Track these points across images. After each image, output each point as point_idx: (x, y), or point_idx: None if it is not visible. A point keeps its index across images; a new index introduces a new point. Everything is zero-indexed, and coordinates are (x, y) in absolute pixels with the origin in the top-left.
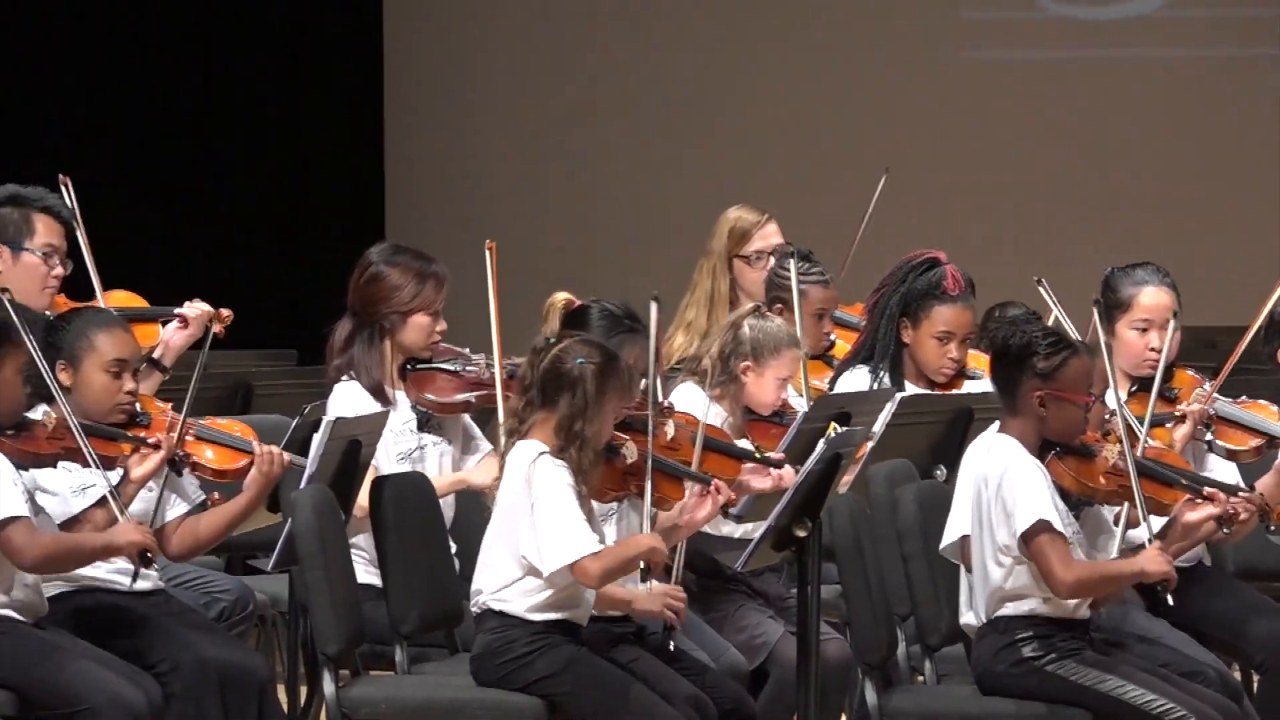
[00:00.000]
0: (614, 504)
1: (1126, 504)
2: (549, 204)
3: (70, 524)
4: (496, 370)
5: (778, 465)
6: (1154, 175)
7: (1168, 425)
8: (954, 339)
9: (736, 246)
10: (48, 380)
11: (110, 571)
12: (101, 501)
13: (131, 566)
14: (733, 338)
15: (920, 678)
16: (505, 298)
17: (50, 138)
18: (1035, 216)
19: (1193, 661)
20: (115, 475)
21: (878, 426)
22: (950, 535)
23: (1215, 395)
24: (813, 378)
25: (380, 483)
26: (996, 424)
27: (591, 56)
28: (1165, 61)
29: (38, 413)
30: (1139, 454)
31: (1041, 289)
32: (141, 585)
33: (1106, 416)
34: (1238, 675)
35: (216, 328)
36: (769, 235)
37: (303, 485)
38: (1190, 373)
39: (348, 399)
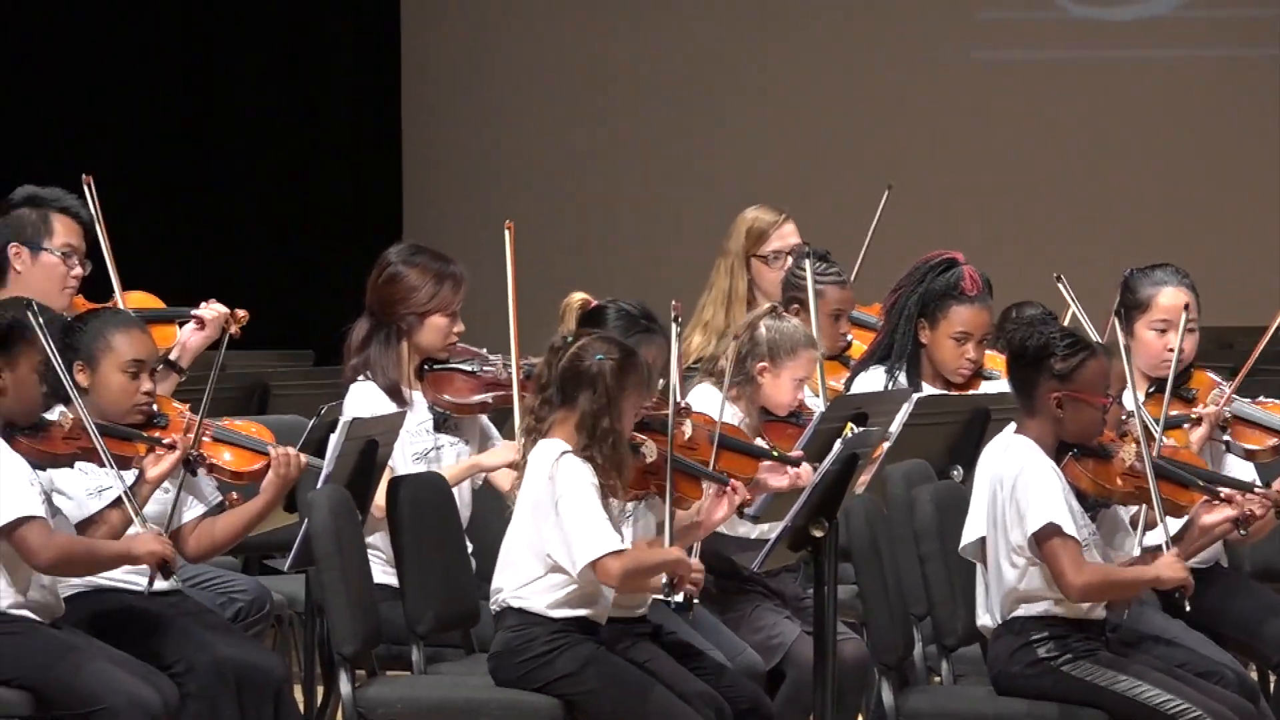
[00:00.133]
0: (633, 504)
1: (1144, 505)
2: (566, 202)
3: (85, 524)
4: (514, 371)
5: (795, 464)
6: (1167, 176)
7: (1185, 427)
8: (971, 339)
9: (754, 246)
10: (64, 381)
11: (127, 572)
12: (117, 502)
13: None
14: (749, 338)
15: (937, 678)
16: (522, 296)
17: (68, 139)
18: (1049, 216)
19: (1209, 662)
20: (131, 476)
21: (894, 427)
22: (969, 535)
23: (1233, 396)
24: (829, 378)
25: (397, 483)
26: (1013, 425)
27: (607, 55)
28: (1179, 62)
29: (54, 413)
30: (1155, 454)
31: (1061, 286)
32: (158, 585)
33: (1123, 418)
34: (1254, 675)
35: (233, 328)
36: (786, 235)
37: (319, 485)
38: (1208, 374)
39: (364, 399)
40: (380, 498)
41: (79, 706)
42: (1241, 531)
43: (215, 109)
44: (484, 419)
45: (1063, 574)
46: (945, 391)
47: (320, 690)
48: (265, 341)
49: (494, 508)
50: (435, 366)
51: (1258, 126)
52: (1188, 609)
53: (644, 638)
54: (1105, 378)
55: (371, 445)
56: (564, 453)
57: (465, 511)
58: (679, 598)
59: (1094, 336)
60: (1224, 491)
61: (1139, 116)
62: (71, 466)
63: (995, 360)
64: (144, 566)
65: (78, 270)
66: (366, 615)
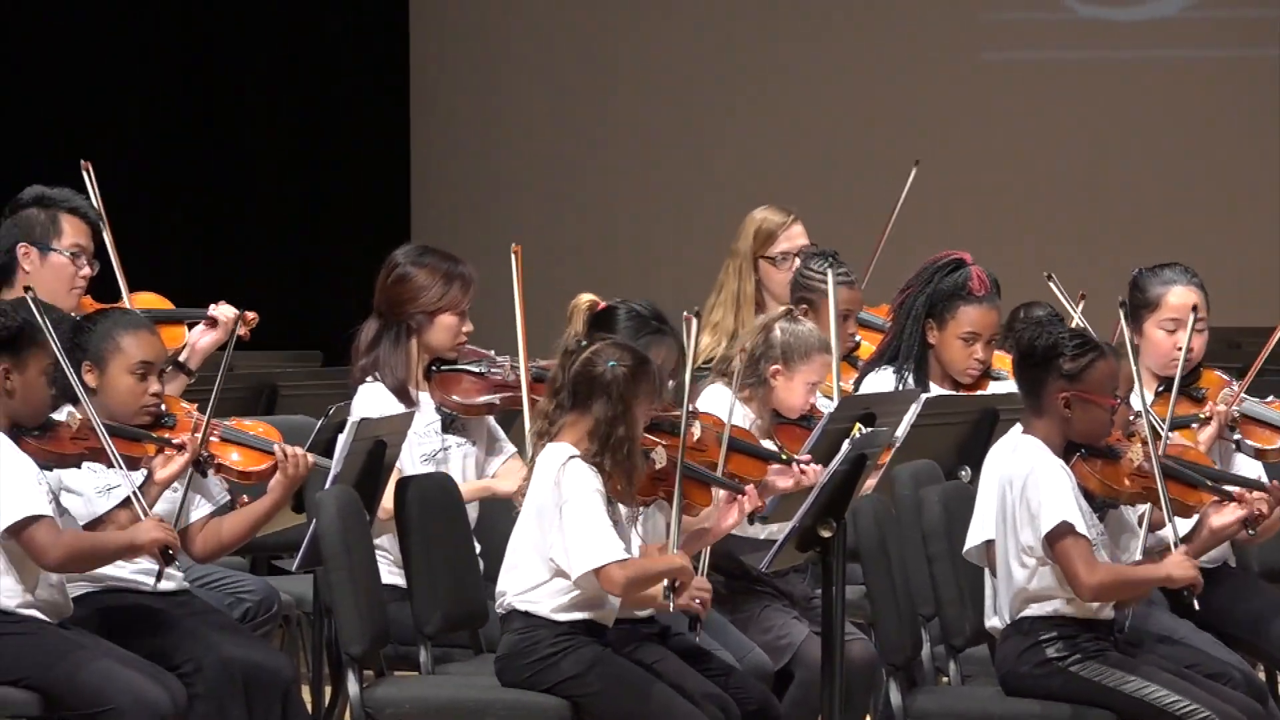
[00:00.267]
0: (643, 508)
1: (1150, 505)
2: (575, 205)
3: (94, 525)
4: (522, 373)
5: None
6: (1175, 176)
7: (1193, 427)
8: (979, 340)
9: (762, 247)
10: (73, 381)
11: (134, 572)
12: (125, 503)
13: (155, 567)
14: (764, 340)
15: (945, 678)
16: (530, 299)
17: (75, 139)
18: (1057, 217)
19: (1217, 662)
20: (139, 476)
21: (902, 428)
22: (974, 539)
23: (1243, 395)
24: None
25: (404, 484)
26: (1018, 426)
27: (614, 56)
28: (1187, 62)
29: (63, 414)
30: (1162, 454)
31: (1051, 284)
32: (166, 585)
33: (1131, 418)
34: (1262, 676)
35: (241, 330)
36: (794, 236)
37: (327, 486)
38: (1218, 373)
39: (372, 400)
40: (388, 498)
41: (87, 706)
42: (1250, 531)
43: (223, 110)
44: (491, 421)
45: (1075, 574)
46: (953, 392)
47: (328, 690)
48: (273, 342)
49: (502, 509)
50: (443, 367)
51: (1266, 127)
52: (1196, 608)
53: (652, 638)
54: (1114, 378)
55: (380, 446)
56: (571, 457)
57: (473, 512)
58: (676, 601)
59: (1089, 333)
60: (1234, 491)
61: (1147, 117)
62: (79, 467)
63: (1003, 360)
64: (151, 566)
65: (86, 270)
66: (374, 616)
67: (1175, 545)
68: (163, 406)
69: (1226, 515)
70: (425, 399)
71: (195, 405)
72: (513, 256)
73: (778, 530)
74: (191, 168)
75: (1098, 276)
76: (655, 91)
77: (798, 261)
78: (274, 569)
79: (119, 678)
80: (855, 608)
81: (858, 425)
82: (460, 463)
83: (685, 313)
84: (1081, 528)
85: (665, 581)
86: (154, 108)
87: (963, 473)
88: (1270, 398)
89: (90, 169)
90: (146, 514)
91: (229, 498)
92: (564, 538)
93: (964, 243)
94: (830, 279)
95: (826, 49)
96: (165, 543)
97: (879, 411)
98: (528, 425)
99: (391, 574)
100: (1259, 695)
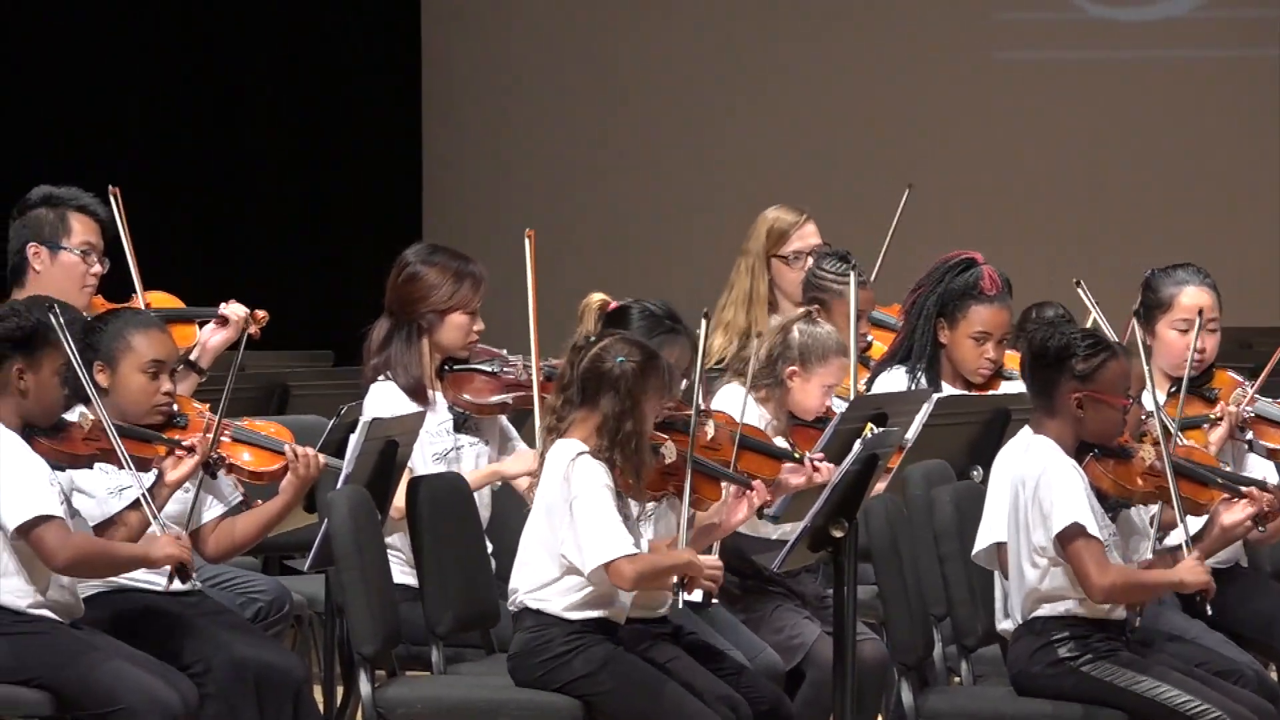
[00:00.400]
0: (653, 503)
1: (1161, 504)
2: (586, 203)
3: (104, 526)
4: (534, 372)
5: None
6: (1188, 176)
7: (1205, 427)
8: (991, 339)
9: (774, 246)
10: (84, 381)
11: (146, 572)
12: (135, 504)
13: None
14: (782, 341)
15: (956, 678)
16: (542, 297)
17: (87, 141)
18: (1068, 217)
19: (1229, 662)
20: (150, 477)
21: (914, 427)
22: (983, 541)
23: (1256, 396)
24: (848, 379)
25: (416, 483)
26: (1027, 427)
27: (628, 56)
28: (1199, 62)
29: (74, 414)
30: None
31: (1080, 291)
32: (177, 586)
33: (1143, 418)
34: (1274, 675)
35: (252, 329)
36: (807, 235)
37: (339, 486)
38: (1230, 374)
39: (384, 399)
40: (400, 498)
41: (98, 706)
42: (1261, 529)
43: (234, 108)
44: (504, 420)
45: (1087, 575)
46: (965, 392)
47: (340, 690)
48: (285, 342)
49: (514, 508)
50: (455, 367)
51: (1273, 127)
52: (1209, 612)
53: (664, 638)
54: (1126, 378)
55: (391, 445)
56: (580, 453)
57: (485, 512)
58: (696, 596)
59: (1114, 339)
60: (1244, 489)
61: (1160, 116)
62: (91, 467)
63: (1015, 360)
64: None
65: (97, 268)
66: (386, 615)
67: (1187, 545)
68: (174, 406)
69: (1237, 513)
70: (438, 398)
71: (207, 405)
72: (526, 241)
73: (790, 530)
74: (202, 167)
75: (1107, 276)
76: (666, 89)
77: (810, 261)
78: (286, 569)
79: (130, 678)
80: (867, 608)
81: (869, 425)
82: (473, 462)
83: (706, 309)
84: (1093, 529)
85: (675, 578)
86: (164, 106)
87: (975, 472)
88: None
89: (118, 194)
90: (156, 516)
91: (241, 498)
92: (575, 533)
93: (974, 242)
94: (852, 281)
95: (838, 48)
96: (180, 560)
97: (891, 411)
98: (538, 424)
99: (403, 574)
100: (1270, 695)
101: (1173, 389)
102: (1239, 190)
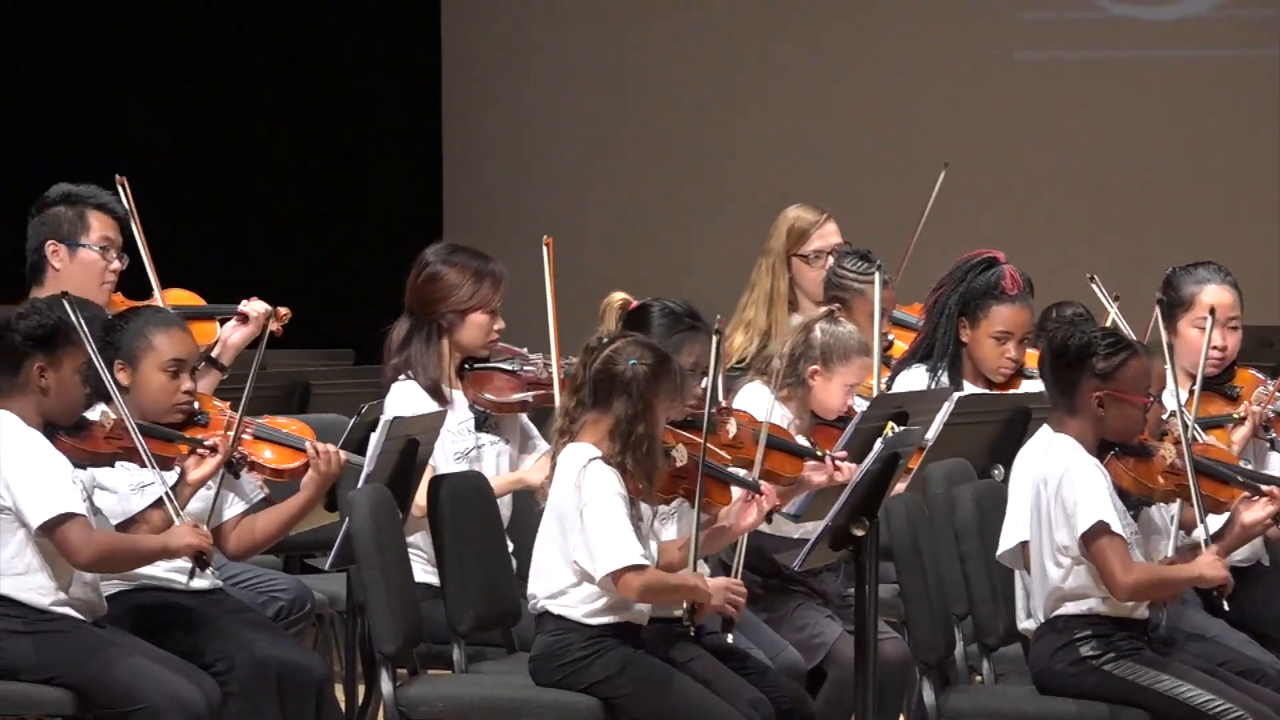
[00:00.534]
0: (674, 505)
1: (1180, 502)
2: (607, 203)
3: (127, 525)
4: (554, 370)
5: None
6: (1209, 174)
7: (1227, 426)
8: (1012, 338)
9: (795, 245)
10: (105, 380)
11: (168, 570)
12: (158, 503)
13: (189, 564)
14: (804, 340)
15: (978, 677)
16: (562, 296)
17: (105, 136)
18: (1090, 216)
19: (1251, 661)
20: (172, 476)
21: (935, 427)
22: (1007, 542)
23: (1278, 394)
24: (870, 378)
25: (437, 482)
26: (1046, 425)
27: (646, 55)
28: (1220, 62)
29: (95, 412)
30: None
31: (1095, 286)
32: (199, 584)
33: (1165, 417)
34: None
35: (274, 326)
36: (828, 234)
37: (360, 484)
38: (1252, 372)
39: (405, 398)
40: (421, 497)
41: (121, 705)
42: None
43: (254, 107)
44: (525, 418)
45: (1111, 573)
46: (986, 390)
47: (361, 689)
48: (306, 341)
49: (534, 507)
50: (476, 365)
51: None
52: (1226, 608)
53: (686, 637)
54: (1147, 377)
55: (412, 444)
56: (592, 459)
57: (506, 511)
58: (696, 620)
59: (1132, 336)
60: (1265, 487)
61: (1192, 116)
62: (113, 465)
63: (1035, 359)
64: (185, 564)
65: (116, 264)
66: (407, 614)
67: (1206, 542)
68: (195, 404)
69: (1257, 511)
70: (459, 397)
71: (228, 404)
72: (544, 248)
73: (811, 529)
74: (223, 165)
75: (1128, 275)
76: (685, 89)
77: (831, 260)
78: (307, 567)
79: (152, 676)
80: (888, 606)
81: (890, 424)
82: (494, 461)
83: (719, 316)
84: (1117, 527)
85: (685, 604)
86: (184, 105)
87: (995, 471)
88: None
89: (125, 183)
90: (179, 514)
91: (262, 495)
92: (585, 541)
93: (996, 241)
94: (877, 280)
95: (858, 47)
96: (199, 548)
97: (912, 410)
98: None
99: (425, 572)
100: None
101: (1194, 387)
102: (1262, 188)
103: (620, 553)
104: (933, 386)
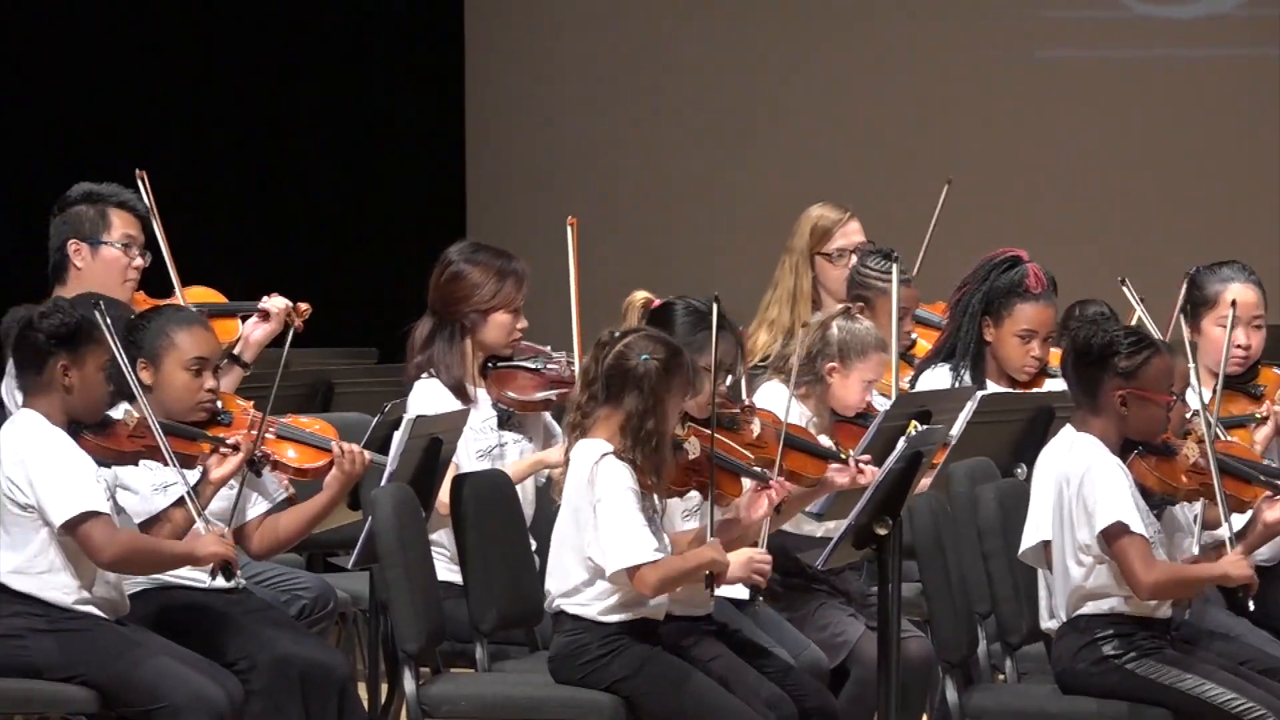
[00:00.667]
0: (695, 500)
1: (1202, 501)
2: (629, 200)
3: (149, 524)
4: (577, 368)
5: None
6: (1232, 173)
7: (1250, 426)
8: (1036, 337)
9: (818, 244)
10: (128, 378)
11: (190, 568)
12: (180, 502)
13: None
14: (821, 338)
15: (1001, 676)
16: (585, 293)
17: (127, 135)
18: (1113, 214)
19: (1273, 659)
20: (195, 475)
21: (958, 425)
22: (1029, 539)
23: None
24: (888, 374)
25: (460, 480)
26: (1068, 425)
27: (668, 52)
28: (1243, 60)
29: (119, 411)
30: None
31: (1126, 289)
32: (221, 583)
33: (1187, 416)
34: None
35: (296, 322)
36: (851, 233)
37: (383, 483)
38: (1277, 371)
39: (428, 397)
40: (444, 495)
41: (144, 703)
42: None
43: (276, 104)
44: (548, 416)
45: (1133, 572)
46: (1010, 389)
47: (384, 688)
48: (329, 340)
49: (557, 505)
50: (499, 364)
51: None
52: (1251, 608)
53: (709, 636)
54: (1170, 375)
55: (435, 443)
56: (604, 455)
57: (529, 509)
58: (738, 591)
59: (1159, 337)
60: None
61: (1214, 115)
62: (136, 464)
63: (1058, 358)
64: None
65: (138, 261)
66: (430, 613)
67: (1230, 541)
68: (218, 403)
69: (1279, 510)
70: (482, 395)
71: (251, 403)
72: (568, 229)
73: (834, 528)
74: (244, 163)
75: (1151, 274)
76: (709, 85)
77: (854, 258)
78: (330, 566)
79: (175, 674)
80: (911, 605)
81: (913, 423)
82: (516, 459)
83: (715, 293)
84: (1138, 526)
85: (705, 575)
86: (206, 103)
87: (1019, 470)
88: None
89: (145, 177)
90: (201, 513)
91: (286, 494)
92: (599, 537)
93: (1019, 240)
94: (895, 277)
95: (882, 44)
96: (224, 558)
97: (935, 409)
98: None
99: (448, 571)
100: None
101: (1217, 386)
102: None
103: (633, 549)
104: (956, 385)
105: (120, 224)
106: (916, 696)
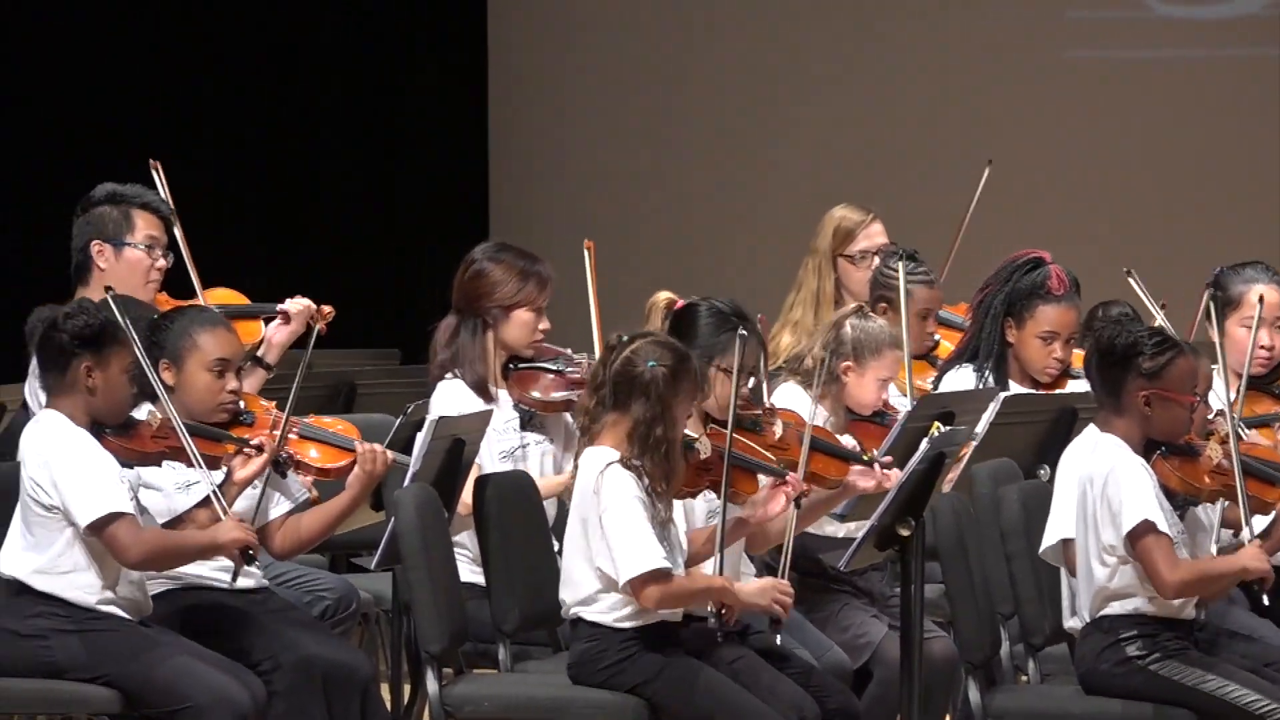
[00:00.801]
0: (715, 503)
1: (1222, 502)
2: (652, 202)
3: (174, 524)
4: None
5: (885, 466)
6: (1258, 173)
7: (1275, 426)
8: (1059, 339)
9: (841, 246)
10: (151, 379)
11: (213, 569)
12: (205, 502)
13: (233, 564)
14: (834, 337)
15: (1024, 677)
16: (607, 296)
17: (149, 135)
18: (1137, 216)
19: None
20: (219, 475)
21: (981, 426)
22: (1050, 538)
23: None
24: (916, 378)
25: (483, 481)
26: (1092, 425)
27: (692, 54)
28: (1269, 60)
29: (142, 412)
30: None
31: (1132, 280)
32: (244, 583)
33: (1210, 417)
34: None
35: (319, 324)
36: (874, 235)
37: (406, 484)
38: None
39: (451, 397)
40: (467, 496)
41: (166, 703)
42: None
43: (299, 106)
44: (569, 418)
45: (1158, 572)
46: (1032, 391)
47: (407, 688)
48: (351, 341)
49: None
50: (521, 365)
51: None
52: (1266, 601)
53: (731, 637)
54: (1193, 376)
55: (458, 444)
56: (609, 464)
57: (551, 510)
58: (727, 622)
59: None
60: None
61: (1241, 115)
62: (160, 465)
63: (1082, 359)
64: (229, 563)
65: (161, 262)
66: (453, 614)
67: (1250, 540)
68: (241, 404)
69: None
70: (504, 396)
71: (274, 403)
72: (585, 253)
73: (856, 529)
74: (268, 165)
75: (1176, 274)
76: (730, 89)
77: (877, 260)
78: (353, 567)
79: (198, 675)
80: (934, 606)
81: (936, 424)
82: (539, 460)
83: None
84: (1163, 526)
85: (711, 606)
86: (228, 103)
87: (1041, 471)
88: None
89: (159, 168)
90: (226, 513)
91: (308, 495)
92: (607, 546)
93: (1043, 241)
94: (901, 276)
95: (905, 46)
96: (245, 543)
97: (958, 410)
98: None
99: (471, 572)
100: None
101: (1240, 386)
102: None
103: (641, 558)
104: (979, 386)
105: (144, 225)
106: (939, 697)
